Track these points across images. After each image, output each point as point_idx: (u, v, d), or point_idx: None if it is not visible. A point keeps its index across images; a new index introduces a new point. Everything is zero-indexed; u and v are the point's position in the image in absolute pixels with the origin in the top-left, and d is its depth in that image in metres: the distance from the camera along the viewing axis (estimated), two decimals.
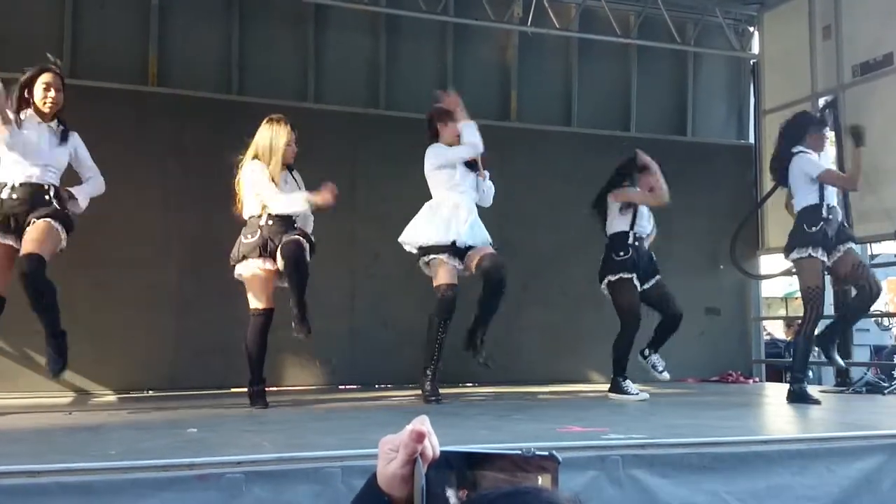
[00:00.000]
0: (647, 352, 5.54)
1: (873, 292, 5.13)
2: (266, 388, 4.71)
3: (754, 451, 2.93)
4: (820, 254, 5.00)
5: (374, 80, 7.08)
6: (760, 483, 2.87)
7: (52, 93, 4.28)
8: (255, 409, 4.51)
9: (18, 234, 4.14)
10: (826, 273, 5.17)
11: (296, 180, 4.85)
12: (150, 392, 5.77)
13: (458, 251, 4.93)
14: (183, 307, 6.10)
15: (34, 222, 4.13)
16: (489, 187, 5.13)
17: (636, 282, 5.45)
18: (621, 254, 5.45)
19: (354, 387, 6.32)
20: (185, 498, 2.34)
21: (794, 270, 5.33)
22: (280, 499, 2.42)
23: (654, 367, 5.44)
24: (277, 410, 4.57)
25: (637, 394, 5.31)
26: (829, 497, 2.92)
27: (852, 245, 5.18)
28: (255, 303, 4.63)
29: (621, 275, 5.41)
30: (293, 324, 4.60)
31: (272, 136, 4.67)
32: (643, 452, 2.80)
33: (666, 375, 5.44)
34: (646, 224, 5.64)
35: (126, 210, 5.69)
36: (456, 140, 5.04)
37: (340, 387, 6.29)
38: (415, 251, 5.04)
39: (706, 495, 2.78)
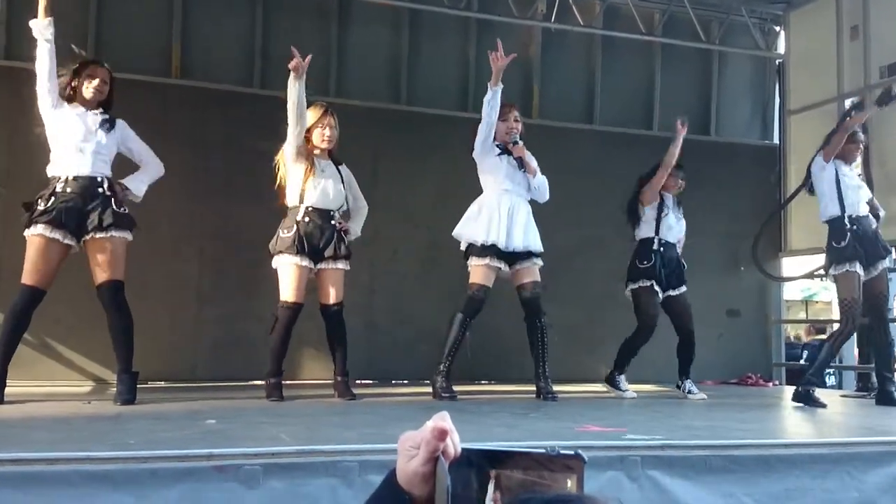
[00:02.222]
0: (679, 381, 5.61)
1: (882, 327, 5.17)
2: (283, 381, 4.74)
3: (774, 454, 2.90)
4: (857, 267, 5.01)
5: (396, 76, 7.07)
6: (780, 486, 2.84)
7: (96, 81, 4.33)
8: (271, 401, 4.53)
9: (70, 229, 4.17)
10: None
11: (340, 173, 4.88)
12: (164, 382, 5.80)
13: (501, 253, 4.93)
14: (202, 298, 6.13)
15: (96, 238, 4.20)
16: (541, 182, 5.09)
17: (657, 288, 5.50)
18: (644, 262, 5.53)
19: (370, 382, 6.31)
20: (202, 488, 2.35)
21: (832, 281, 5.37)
22: (297, 491, 2.42)
23: (689, 392, 5.52)
24: (296, 403, 4.58)
25: (626, 391, 5.47)
26: (849, 502, 2.88)
27: (886, 264, 5.18)
28: (285, 295, 4.69)
29: (641, 283, 5.51)
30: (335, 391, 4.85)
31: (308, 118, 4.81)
32: (662, 453, 2.78)
33: (703, 396, 5.47)
34: (672, 225, 5.63)
35: (147, 201, 5.69)
36: (507, 137, 5.04)
37: (357, 381, 6.28)
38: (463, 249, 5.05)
39: (725, 497, 2.76)
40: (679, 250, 5.75)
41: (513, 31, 7.40)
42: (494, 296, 5.16)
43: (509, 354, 6.06)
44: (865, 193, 5.26)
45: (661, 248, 5.55)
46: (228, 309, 6.09)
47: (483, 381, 6.44)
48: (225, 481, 2.37)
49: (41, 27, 4.18)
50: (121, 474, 2.29)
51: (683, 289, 5.59)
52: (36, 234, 4.14)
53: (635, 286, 5.53)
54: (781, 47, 8.04)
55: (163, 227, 6.00)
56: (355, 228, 4.99)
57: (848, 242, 5.03)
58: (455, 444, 0.93)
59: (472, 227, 4.97)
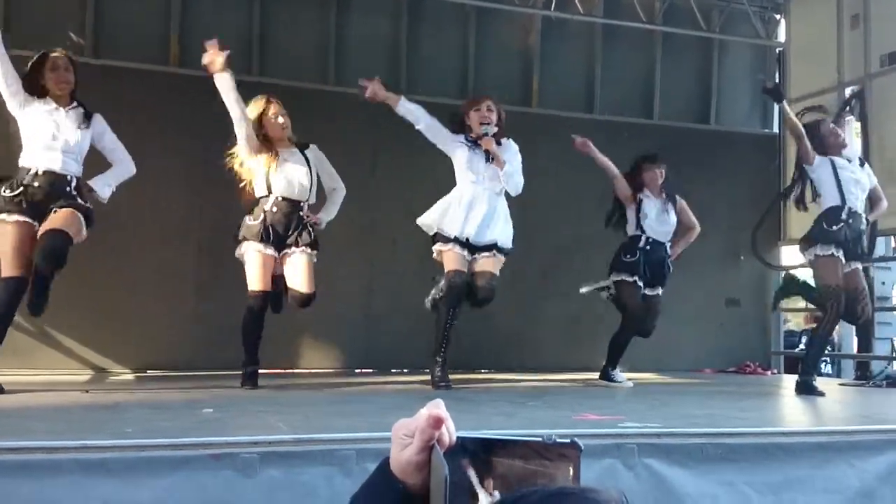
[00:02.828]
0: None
1: (863, 318, 5.13)
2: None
3: (773, 442, 2.90)
4: (841, 254, 4.96)
5: (396, 64, 7.04)
6: (779, 475, 2.84)
7: (59, 72, 4.22)
8: (245, 389, 4.54)
9: (35, 217, 4.11)
10: None
11: (306, 158, 4.81)
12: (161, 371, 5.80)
13: (464, 242, 4.86)
14: (200, 287, 6.12)
15: (56, 210, 4.11)
16: (511, 172, 4.97)
17: (640, 284, 5.51)
18: (628, 256, 5.55)
19: (370, 371, 6.33)
20: (199, 477, 2.35)
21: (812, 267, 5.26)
22: (294, 480, 2.42)
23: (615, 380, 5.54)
24: (293, 392, 4.58)
25: (622, 381, 5.49)
26: (849, 490, 2.88)
27: (860, 266, 5.13)
28: (252, 285, 4.64)
29: (623, 276, 5.52)
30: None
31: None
32: (659, 441, 2.78)
33: (630, 384, 5.47)
34: (654, 225, 5.59)
35: (145, 190, 5.69)
36: (479, 129, 4.97)
37: (356, 371, 6.30)
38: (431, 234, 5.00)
39: (723, 486, 2.76)
40: (678, 249, 5.74)
41: (512, 20, 7.38)
42: None
43: (505, 343, 6.06)
44: (864, 189, 5.17)
45: (648, 247, 5.54)
46: (227, 299, 6.04)
47: (481, 371, 6.45)
48: (222, 469, 2.37)
49: None
50: (118, 463, 2.29)
51: (659, 290, 5.61)
52: (8, 221, 4.07)
53: (618, 278, 5.54)
54: (782, 36, 8.02)
55: (161, 218, 6.00)
56: (326, 217, 4.90)
57: (840, 228, 4.98)
58: (450, 431, 0.92)
59: (436, 216, 4.91)
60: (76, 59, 4.43)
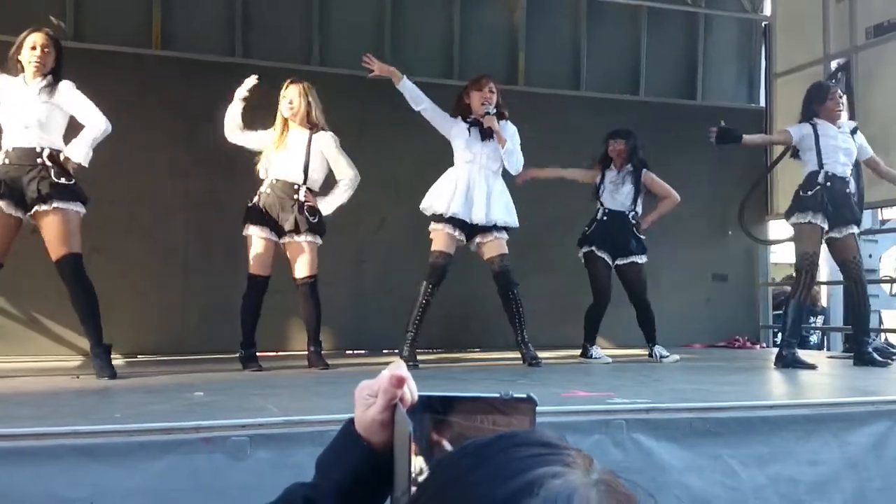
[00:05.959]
0: (649, 349, 5.69)
1: (860, 292, 5.13)
2: (257, 352, 4.79)
3: (759, 416, 2.93)
4: (820, 220, 4.96)
5: (380, 43, 6.99)
6: (764, 448, 2.87)
7: (37, 51, 4.12)
8: (251, 371, 4.57)
9: (14, 199, 4.06)
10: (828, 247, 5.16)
11: (310, 142, 4.84)
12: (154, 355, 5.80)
13: (461, 223, 4.90)
14: (189, 271, 6.12)
15: (40, 210, 4.05)
16: (511, 150, 5.01)
17: (599, 254, 5.66)
18: (586, 228, 5.78)
19: (361, 351, 6.34)
20: (190, 460, 2.36)
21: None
22: (285, 462, 2.43)
23: (661, 357, 5.58)
24: (283, 375, 4.59)
25: (599, 357, 5.60)
26: (833, 462, 2.92)
27: (855, 230, 5.11)
28: (252, 267, 4.75)
29: (583, 248, 5.75)
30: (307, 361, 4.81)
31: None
32: (647, 417, 2.80)
33: (675, 357, 5.52)
34: (609, 196, 5.74)
35: (131, 173, 5.68)
36: (480, 109, 4.99)
37: (347, 351, 6.31)
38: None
39: (709, 459, 2.79)
40: (651, 217, 5.83)
41: None
42: (474, 264, 5.17)
43: (493, 322, 6.06)
44: (848, 155, 5.15)
45: (605, 217, 5.71)
46: (216, 281, 6.07)
47: (469, 349, 6.47)
48: (212, 453, 2.38)
49: None
50: (108, 448, 2.30)
51: (632, 259, 5.67)
52: None
53: (581, 250, 5.77)
54: (768, 9, 8.01)
55: (148, 199, 5.97)
56: (324, 207, 4.89)
57: (815, 193, 4.98)
58: (412, 390, 0.96)
59: (434, 197, 4.97)
60: (60, 38, 4.35)
